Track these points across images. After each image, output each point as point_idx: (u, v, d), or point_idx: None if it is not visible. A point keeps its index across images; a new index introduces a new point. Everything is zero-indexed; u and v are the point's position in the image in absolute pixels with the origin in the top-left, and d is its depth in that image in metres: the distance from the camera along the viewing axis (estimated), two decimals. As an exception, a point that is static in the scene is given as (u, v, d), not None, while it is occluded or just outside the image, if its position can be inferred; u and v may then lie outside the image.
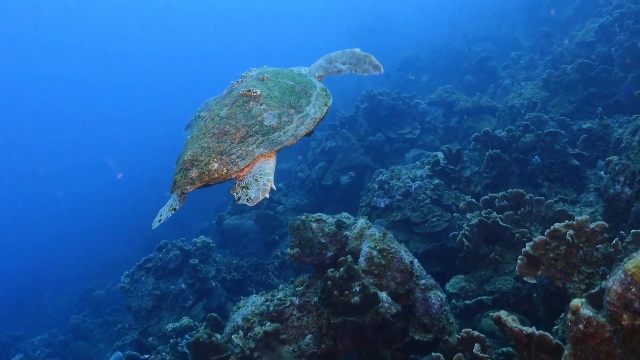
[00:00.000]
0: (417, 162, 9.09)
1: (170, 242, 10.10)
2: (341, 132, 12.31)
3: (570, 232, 3.87)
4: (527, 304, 5.28)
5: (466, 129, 12.12)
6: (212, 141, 2.99)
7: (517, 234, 5.49)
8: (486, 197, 6.31)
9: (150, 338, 8.79)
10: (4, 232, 33.40)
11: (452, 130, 12.58)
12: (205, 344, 4.71)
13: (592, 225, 3.91)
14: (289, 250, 5.13)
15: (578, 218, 3.91)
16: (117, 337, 10.31)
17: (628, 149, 6.52)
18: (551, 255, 3.97)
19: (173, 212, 3.04)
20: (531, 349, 3.19)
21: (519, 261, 4.10)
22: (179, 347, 6.86)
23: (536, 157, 7.58)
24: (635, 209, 5.11)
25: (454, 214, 7.27)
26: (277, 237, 11.34)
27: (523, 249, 4.08)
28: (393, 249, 4.75)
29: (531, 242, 4.03)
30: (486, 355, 3.57)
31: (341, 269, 4.45)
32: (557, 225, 3.96)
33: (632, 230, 3.93)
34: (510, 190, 6.10)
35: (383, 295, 4.47)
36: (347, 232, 5.09)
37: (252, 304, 5.19)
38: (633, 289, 2.41)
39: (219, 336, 4.91)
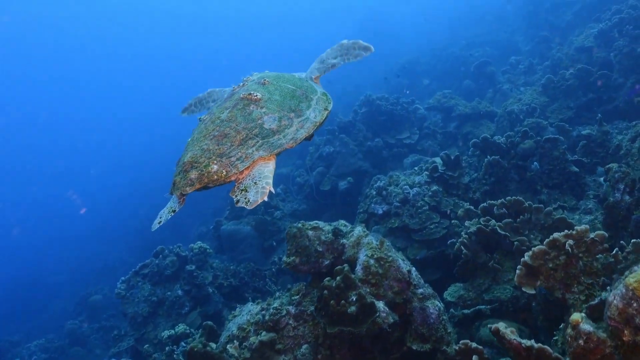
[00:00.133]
0: (416, 168, 9.03)
1: (167, 248, 10.04)
2: (339, 137, 12.26)
3: (570, 242, 3.82)
4: (526, 313, 5.22)
5: (465, 134, 12.07)
6: (212, 143, 3.00)
7: (515, 242, 5.43)
8: (485, 204, 6.26)
9: (146, 345, 8.72)
10: (1, 235, 33.29)
11: (450, 136, 12.53)
12: (200, 353, 4.65)
13: (591, 235, 3.85)
14: (285, 258, 5.07)
15: (577, 228, 3.85)
16: (113, 344, 10.24)
17: (628, 156, 6.48)
18: (550, 265, 3.91)
19: (173, 213, 3.04)
20: (530, 362, 3.12)
21: (517, 271, 4.04)
22: (174, 355, 6.81)
23: (535, 163, 7.53)
24: (635, 217, 5.05)
25: (453, 221, 7.21)
26: (274, 243, 11.28)
27: (522, 259, 4.02)
28: (390, 258, 4.70)
29: (530, 252, 3.98)
30: (484, 367, 3.51)
31: (338, 278, 4.39)
32: (556, 234, 3.91)
33: (632, 240, 3.88)
34: (509, 197, 6.04)
35: (380, 304, 4.41)
36: (344, 240, 5.03)
37: (248, 312, 5.12)
38: (634, 304, 2.36)
39: (214, 345, 4.85)
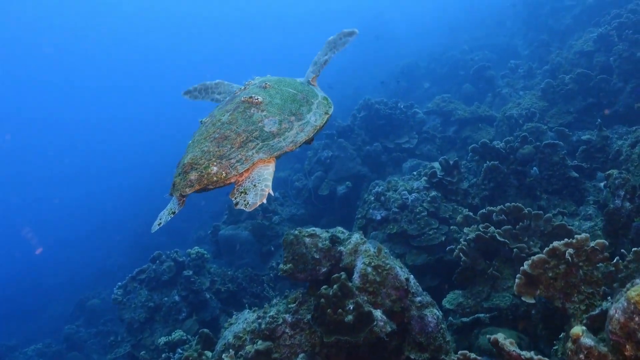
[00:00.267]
0: (414, 173, 8.98)
1: (164, 253, 9.98)
2: (338, 141, 12.22)
3: (570, 250, 3.76)
4: (526, 321, 5.16)
5: (464, 138, 12.03)
6: (212, 145, 3.02)
7: (515, 249, 5.37)
8: (484, 210, 6.20)
9: (143, 352, 8.65)
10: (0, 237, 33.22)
11: (449, 140, 12.48)
12: (195, 363, 4.59)
13: (592, 244, 3.79)
14: (281, 266, 5.01)
15: (578, 236, 3.79)
16: (110, 350, 10.17)
17: (628, 161, 6.44)
18: (550, 274, 3.85)
19: (172, 215, 3.04)
20: (530, 375, 3.06)
21: (517, 280, 3.98)
22: (170, 362, 6.74)
23: (535, 168, 7.49)
24: (635, 224, 5.00)
25: (451, 227, 7.15)
26: (272, 248, 11.22)
27: (521, 268, 3.96)
28: (388, 266, 4.64)
29: (529, 261, 3.92)
30: (483, 379, 3.45)
31: (335, 286, 4.34)
32: (556, 243, 3.85)
33: (633, 249, 3.83)
34: (508, 204, 5.99)
35: (377, 313, 4.35)
36: (342, 248, 4.97)
37: (244, 320, 5.06)
38: (637, 319, 2.30)
39: (209, 354, 4.80)
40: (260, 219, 11.52)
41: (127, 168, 39.73)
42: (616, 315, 2.41)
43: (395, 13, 39.61)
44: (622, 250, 4.16)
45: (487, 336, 3.56)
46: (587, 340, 2.57)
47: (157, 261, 9.91)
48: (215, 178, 2.88)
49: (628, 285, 2.51)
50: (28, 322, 20.92)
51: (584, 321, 3.50)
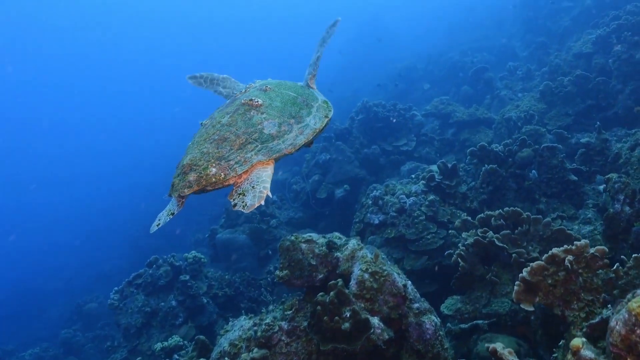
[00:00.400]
0: (413, 176, 8.93)
1: (161, 258, 9.92)
2: (336, 144, 12.16)
3: (569, 257, 3.71)
4: (525, 327, 5.11)
5: (462, 141, 11.98)
6: (211, 147, 3.03)
7: (514, 254, 5.31)
8: (482, 215, 6.14)
9: (139, 358, 8.59)
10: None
11: (448, 143, 12.42)
12: (190, 371, 4.52)
13: (591, 250, 3.74)
14: (277, 272, 4.95)
15: (577, 243, 3.74)
16: (106, 355, 10.10)
17: (627, 164, 6.40)
18: (549, 281, 3.80)
19: (172, 216, 3.05)
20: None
21: (515, 287, 3.93)
22: (167, 369, 6.67)
23: (533, 171, 7.44)
24: (635, 229, 4.96)
25: (450, 231, 7.09)
26: (270, 252, 11.15)
27: (520, 275, 3.91)
28: (385, 272, 4.58)
29: (528, 268, 3.87)
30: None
31: (331, 293, 4.28)
32: (555, 250, 3.80)
33: (633, 255, 3.77)
34: (507, 208, 5.93)
35: (375, 320, 4.29)
36: (338, 254, 4.91)
37: (240, 327, 4.99)
38: (638, 331, 2.24)
39: (204, 362, 4.73)
40: (257, 223, 11.45)
41: (125, 170, 39.68)
42: (617, 327, 2.35)
43: (394, 15, 39.64)
44: (622, 256, 4.10)
45: (486, 344, 3.50)
46: (588, 353, 2.52)
47: (154, 266, 9.85)
48: (214, 179, 2.88)
49: (629, 296, 2.45)
50: (26, 326, 20.85)
51: (584, 329, 3.45)
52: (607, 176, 5.67)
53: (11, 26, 60.78)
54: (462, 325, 5.34)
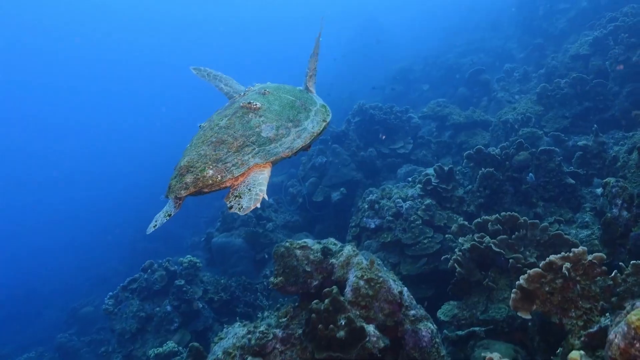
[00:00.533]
0: (409, 179, 8.88)
1: (156, 262, 9.85)
2: (332, 147, 12.11)
3: (567, 264, 3.65)
4: (522, 333, 5.05)
5: (460, 143, 11.94)
6: (209, 149, 3.04)
7: (511, 260, 5.26)
8: (479, 220, 6.09)
9: (133, 364, 8.52)
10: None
11: (445, 145, 12.38)
12: (182, 380, 4.45)
13: (589, 257, 3.69)
14: (272, 279, 4.89)
15: (575, 250, 3.69)
16: (101, 361, 10.02)
17: (625, 168, 6.34)
18: (547, 289, 3.75)
19: (168, 217, 3.04)
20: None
21: (512, 295, 3.87)
22: (161, 376, 6.60)
23: (530, 175, 7.38)
24: (633, 234, 4.90)
25: (447, 235, 7.04)
26: (266, 256, 11.06)
27: (517, 282, 3.85)
28: (381, 279, 4.52)
29: (525, 275, 3.81)
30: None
31: (326, 300, 4.22)
32: (552, 257, 3.75)
33: (632, 262, 3.71)
34: (504, 213, 5.88)
35: (370, 328, 4.23)
36: (334, 260, 4.85)
37: (234, 335, 4.92)
38: (637, 345, 2.18)
39: (198, 370, 4.66)
40: (254, 226, 11.37)
41: (124, 173, 39.63)
42: (616, 340, 2.29)
43: (391, 17, 39.64)
44: (620, 263, 4.04)
45: (482, 355, 3.45)
46: (586, 366, 2.46)
47: (149, 270, 9.78)
48: (210, 181, 2.89)
49: (628, 308, 2.40)
50: (22, 329, 20.75)
51: (582, 338, 3.40)
52: (604, 180, 5.63)
53: (11, 26, 60.73)
54: (459, 332, 5.28)
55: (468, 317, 5.45)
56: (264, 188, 2.87)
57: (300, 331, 4.51)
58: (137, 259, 17.78)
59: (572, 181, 7.21)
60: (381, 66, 26.30)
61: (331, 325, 4.14)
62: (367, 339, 4.11)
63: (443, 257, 6.54)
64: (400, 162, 12.02)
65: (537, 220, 5.62)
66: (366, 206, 8.24)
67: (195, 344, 5.74)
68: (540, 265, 3.79)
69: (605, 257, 3.71)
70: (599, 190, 6.74)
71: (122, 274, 16.87)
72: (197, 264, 9.94)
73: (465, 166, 8.72)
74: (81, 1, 63.68)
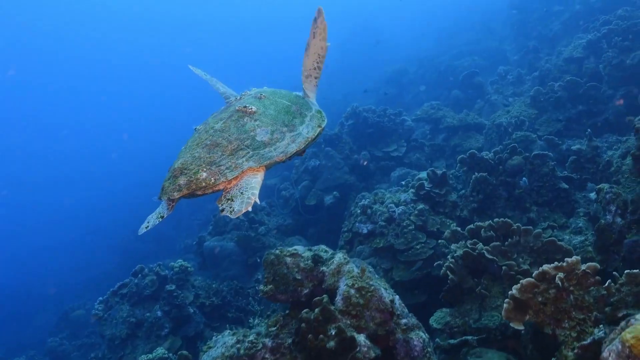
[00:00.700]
0: (402, 183, 8.81)
1: (147, 267, 9.74)
2: (325, 150, 12.03)
3: (560, 274, 3.60)
4: (515, 342, 4.99)
5: (453, 146, 11.88)
6: (203, 152, 3.06)
7: (504, 267, 5.19)
8: (472, 226, 6.03)
9: (123, 370, 8.41)
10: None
11: (439, 148, 12.32)
12: (170, 391, 4.37)
13: (583, 267, 3.63)
14: (262, 287, 4.82)
15: (568, 260, 3.63)
16: (91, 368, 9.89)
17: (618, 173, 6.31)
18: (540, 299, 3.69)
19: (161, 219, 3.08)
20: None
21: (505, 305, 3.81)
22: (150, 383, 6.51)
23: (524, 179, 7.33)
24: (627, 241, 4.85)
25: (440, 241, 6.98)
26: (258, 260, 10.95)
27: (510, 292, 3.79)
28: (372, 287, 4.45)
29: (518, 285, 3.75)
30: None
31: (316, 310, 4.15)
32: (546, 266, 3.69)
33: (625, 271, 3.65)
34: (497, 219, 5.82)
35: (361, 338, 4.15)
36: (324, 268, 4.78)
37: (223, 344, 4.84)
38: (632, 364, 2.11)
39: (186, 381, 4.58)
40: (246, 230, 11.28)
41: (117, 175, 39.49)
42: (610, 358, 2.23)
43: (385, 18, 39.62)
44: (614, 272, 3.98)
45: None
46: (579, 384, 2.39)
47: (139, 275, 9.67)
48: (203, 184, 2.91)
49: (622, 324, 2.33)
50: (13, 332, 20.58)
51: (575, 350, 3.34)
52: (598, 186, 5.58)
53: (11, 26, 60.52)
54: (451, 341, 5.22)
55: (460, 324, 5.39)
56: (256, 192, 2.88)
57: (290, 340, 4.44)
58: (129, 261, 17.70)
59: (566, 186, 7.17)
60: (376, 67, 26.27)
61: (321, 335, 4.07)
62: (358, 349, 4.04)
63: (436, 263, 6.47)
64: (394, 165, 11.95)
65: (531, 227, 5.56)
66: (359, 211, 8.17)
67: (185, 352, 5.65)
68: (533, 275, 3.74)
69: (599, 267, 3.65)
70: (593, 195, 6.70)
71: (114, 277, 16.74)
72: (189, 268, 9.85)
73: (458, 170, 8.66)
74: (81, 1, 63.57)
